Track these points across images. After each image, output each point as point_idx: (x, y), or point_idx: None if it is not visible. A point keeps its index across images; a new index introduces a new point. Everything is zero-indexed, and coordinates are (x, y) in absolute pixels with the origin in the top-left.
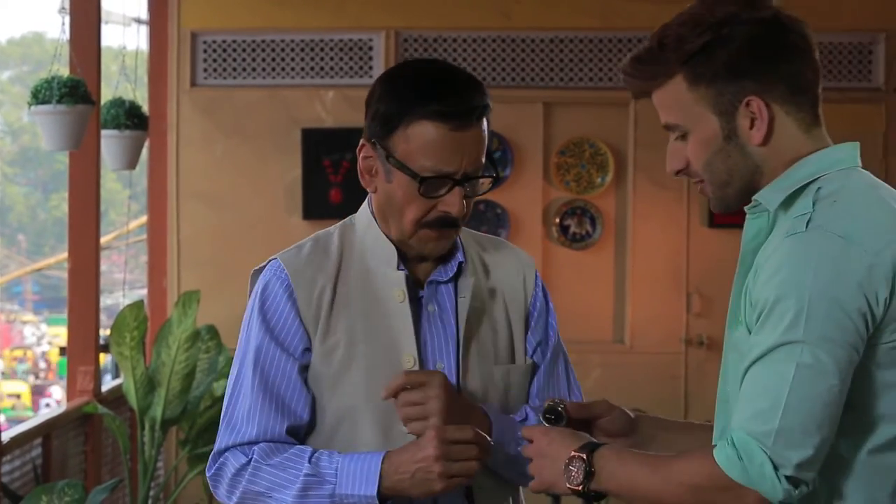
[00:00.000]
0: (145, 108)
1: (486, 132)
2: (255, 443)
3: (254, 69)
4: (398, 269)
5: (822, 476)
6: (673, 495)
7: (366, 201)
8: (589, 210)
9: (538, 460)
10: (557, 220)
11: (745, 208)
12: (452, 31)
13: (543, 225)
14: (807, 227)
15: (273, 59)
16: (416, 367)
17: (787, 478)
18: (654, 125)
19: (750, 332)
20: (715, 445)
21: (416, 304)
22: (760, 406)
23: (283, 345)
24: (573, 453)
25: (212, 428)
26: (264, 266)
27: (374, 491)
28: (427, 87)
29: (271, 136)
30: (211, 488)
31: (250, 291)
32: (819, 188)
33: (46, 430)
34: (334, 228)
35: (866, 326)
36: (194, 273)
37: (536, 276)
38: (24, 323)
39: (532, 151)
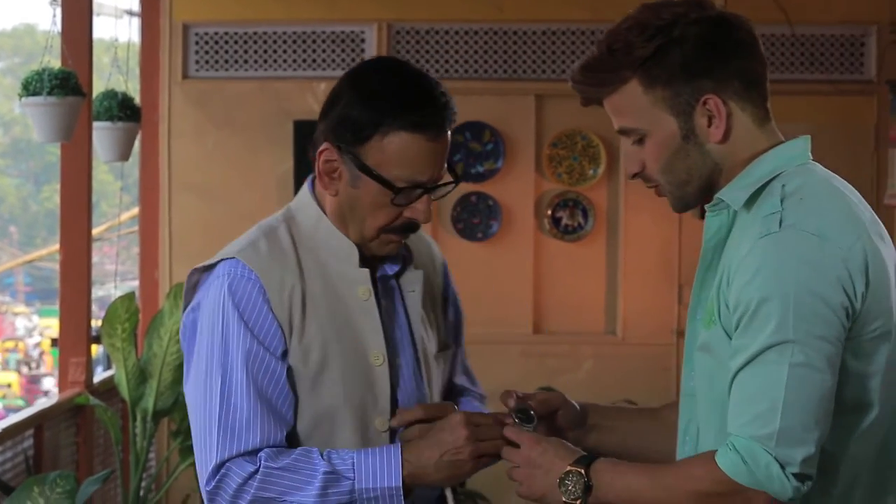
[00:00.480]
0: (137, 100)
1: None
2: (259, 451)
3: (246, 61)
4: (360, 266)
5: None
6: (675, 501)
7: (306, 194)
8: (581, 202)
9: (528, 469)
10: (549, 212)
11: (706, 207)
12: (444, 23)
13: (535, 217)
14: (780, 226)
15: (265, 52)
16: (385, 364)
17: (795, 475)
18: None
19: (729, 336)
20: (716, 451)
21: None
22: (758, 409)
23: (270, 349)
24: (569, 468)
25: None
26: (212, 265)
27: (398, 482)
28: (404, 95)
29: (263, 129)
30: (207, 501)
31: (191, 290)
32: (783, 185)
33: (38, 422)
34: (276, 222)
35: (848, 319)
36: (186, 265)
37: (442, 256)
38: (16, 314)
39: (524, 143)
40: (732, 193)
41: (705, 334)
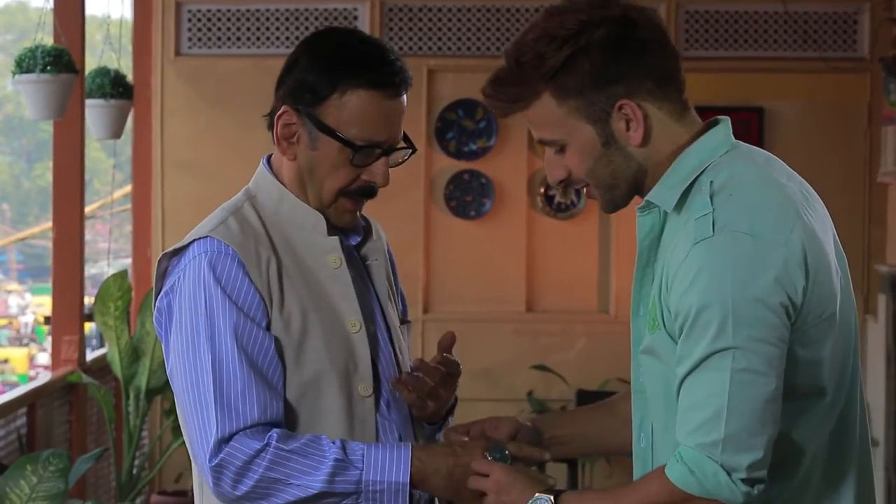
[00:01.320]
0: (130, 78)
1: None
2: (259, 425)
3: (238, 38)
4: (328, 234)
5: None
6: None
7: (263, 172)
8: None
9: (497, 496)
10: (542, 190)
11: (637, 209)
12: (437, 0)
13: (528, 195)
14: (714, 230)
15: (258, 29)
16: (363, 331)
17: (743, 480)
18: None
19: (674, 340)
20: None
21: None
22: (702, 417)
23: (256, 320)
24: (538, 494)
25: None
26: (184, 247)
27: (406, 478)
28: (361, 55)
29: (256, 106)
30: (209, 481)
31: (161, 277)
32: (711, 181)
33: (31, 400)
34: (240, 202)
35: (789, 317)
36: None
37: (384, 235)
38: (9, 292)
39: (516, 121)
40: (662, 195)
41: (649, 338)
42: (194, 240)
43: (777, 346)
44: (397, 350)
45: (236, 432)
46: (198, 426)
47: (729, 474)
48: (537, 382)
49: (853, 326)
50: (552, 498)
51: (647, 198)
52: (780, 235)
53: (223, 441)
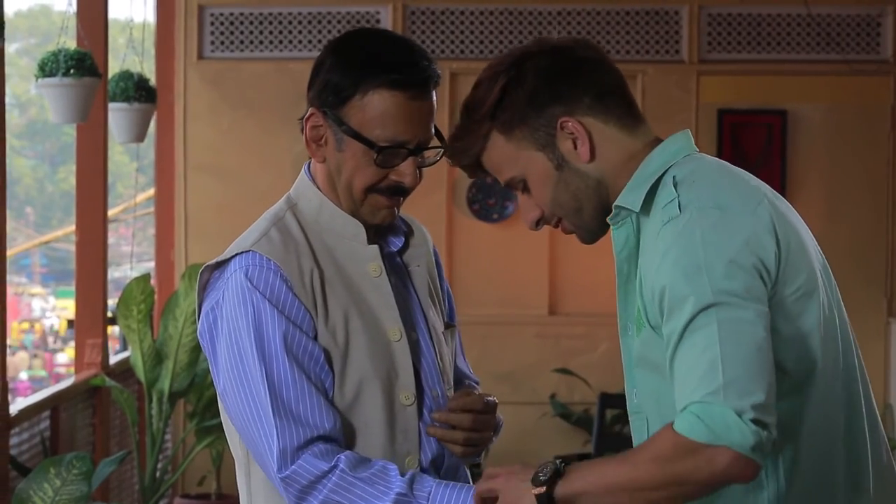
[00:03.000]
0: (153, 81)
1: (436, 103)
2: (322, 438)
3: (261, 42)
4: (369, 243)
5: None
6: (644, 477)
7: (304, 180)
8: None
9: (507, 480)
10: None
11: (608, 219)
12: (459, 3)
13: None
14: (679, 209)
15: (280, 32)
16: (404, 339)
17: (753, 421)
18: (659, 98)
19: (658, 333)
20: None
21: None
22: (699, 373)
23: (304, 330)
24: (542, 463)
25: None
26: (226, 261)
27: None
28: (384, 56)
29: (278, 109)
30: (281, 488)
31: (203, 289)
32: (674, 175)
33: (54, 403)
34: (282, 211)
35: (764, 282)
36: (202, 245)
37: (430, 236)
38: (32, 296)
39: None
40: (628, 197)
41: (639, 344)
42: (237, 254)
43: (758, 301)
44: (437, 356)
45: (301, 444)
46: (261, 440)
47: (739, 416)
48: (560, 386)
49: (845, 328)
50: (559, 462)
51: (615, 203)
52: (746, 207)
53: (286, 453)
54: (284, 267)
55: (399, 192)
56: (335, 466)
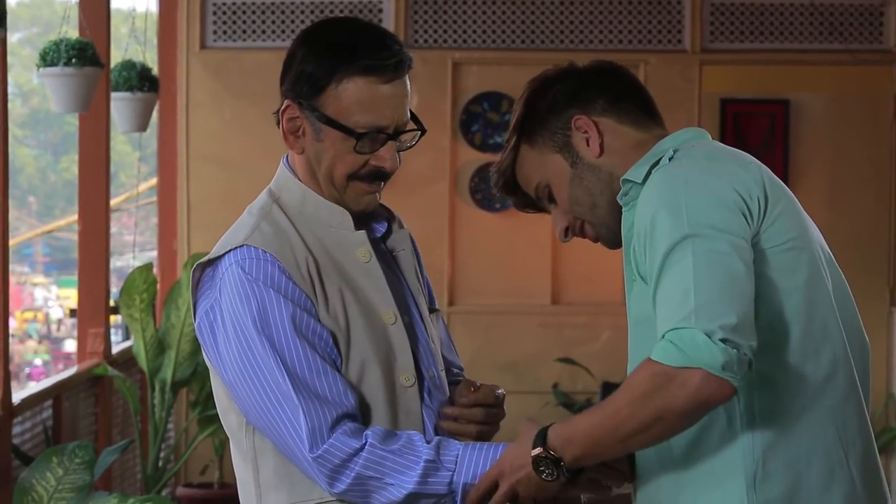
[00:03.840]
0: (155, 71)
1: (409, 88)
2: (347, 416)
3: (263, 31)
4: (356, 229)
5: (749, 392)
6: (627, 418)
7: (284, 172)
8: None
9: (514, 478)
10: None
11: (618, 197)
12: None
13: None
14: (670, 161)
15: (283, 21)
16: (399, 322)
17: (722, 340)
18: (662, 88)
19: (646, 280)
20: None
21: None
22: (675, 300)
23: (311, 312)
24: (533, 454)
25: None
26: (218, 257)
27: None
28: (356, 43)
29: (281, 99)
30: (313, 472)
31: (196, 287)
32: (675, 149)
33: (57, 392)
34: (268, 205)
35: (747, 222)
36: (204, 235)
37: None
38: (35, 285)
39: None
40: (634, 171)
41: (633, 301)
42: (229, 250)
43: (738, 235)
44: (430, 339)
45: (331, 423)
46: (285, 424)
47: (707, 337)
48: (563, 375)
49: (854, 318)
50: (542, 450)
51: (623, 177)
52: (738, 162)
53: (317, 432)
54: (281, 258)
55: (380, 177)
56: (365, 443)
